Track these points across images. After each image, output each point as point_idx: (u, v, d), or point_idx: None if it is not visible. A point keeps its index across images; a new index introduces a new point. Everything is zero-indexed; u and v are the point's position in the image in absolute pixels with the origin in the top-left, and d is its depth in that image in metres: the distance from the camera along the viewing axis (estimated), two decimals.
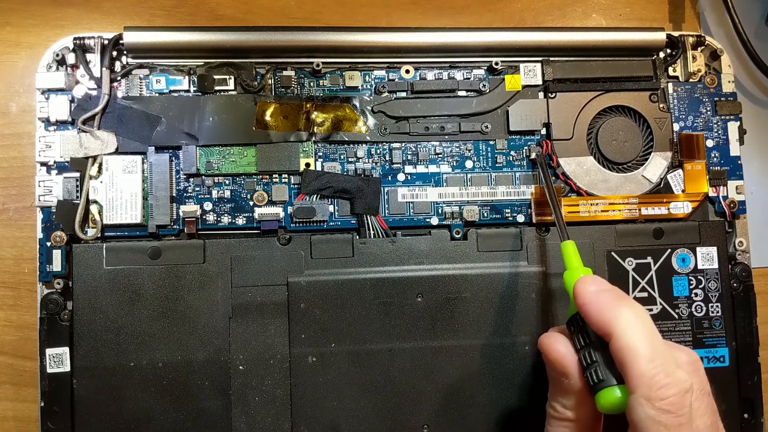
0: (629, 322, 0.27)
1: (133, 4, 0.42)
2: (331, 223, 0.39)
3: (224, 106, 0.38)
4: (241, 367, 0.36)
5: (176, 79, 0.38)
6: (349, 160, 0.39)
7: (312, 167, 0.39)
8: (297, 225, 0.38)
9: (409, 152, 0.40)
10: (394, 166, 0.40)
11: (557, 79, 0.41)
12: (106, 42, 0.37)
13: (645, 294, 0.40)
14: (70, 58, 0.38)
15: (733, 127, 0.42)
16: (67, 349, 0.35)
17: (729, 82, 0.43)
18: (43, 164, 0.37)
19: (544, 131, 0.41)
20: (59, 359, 0.35)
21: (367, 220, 0.38)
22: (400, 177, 0.40)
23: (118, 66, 0.38)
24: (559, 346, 0.30)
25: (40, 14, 0.41)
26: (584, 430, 0.30)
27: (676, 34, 0.42)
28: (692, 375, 0.27)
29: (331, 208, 0.39)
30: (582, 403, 0.29)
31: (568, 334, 0.31)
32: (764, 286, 0.45)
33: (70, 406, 0.35)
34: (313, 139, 0.39)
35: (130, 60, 0.38)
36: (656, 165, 0.41)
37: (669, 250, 0.40)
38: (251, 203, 0.38)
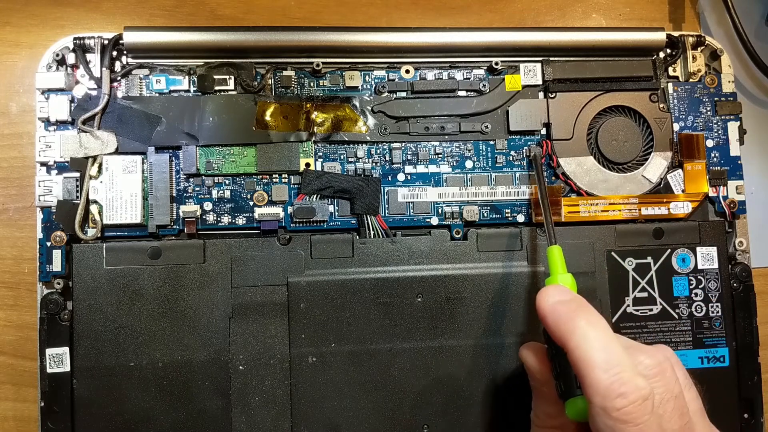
0: (584, 334, 0.27)
1: (133, 4, 0.42)
2: (331, 223, 0.39)
3: (224, 106, 0.38)
4: (241, 367, 0.36)
5: (176, 79, 0.38)
6: (349, 160, 0.39)
7: (312, 167, 0.39)
8: (297, 225, 0.38)
9: (409, 152, 0.40)
10: (394, 166, 0.40)
11: (557, 79, 0.41)
12: (106, 42, 0.37)
13: (645, 294, 0.40)
14: (70, 58, 0.38)
15: (733, 127, 0.42)
16: (67, 349, 0.35)
17: (729, 82, 0.43)
18: (43, 164, 0.37)
19: (544, 131, 0.41)
20: (59, 359, 0.35)
21: (367, 220, 0.38)
22: (400, 177, 0.40)
23: (118, 66, 0.38)
24: (534, 357, 0.31)
25: (40, 14, 0.41)
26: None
27: (676, 34, 0.42)
28: (656, 379, 0.27)
29: (331, 208, 0.39)
30: (561, 410, 0.29)
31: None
32: (764, 286, 0.45)
33: (70, 406, 0.35)
34: (313, 139, 0.39)
35: (130, 60, 0.38)
36: (656, 165, 0.41)
37: (669, 250, 0.40)
38: (251, 203, 0.38)
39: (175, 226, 0.38)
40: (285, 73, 0.39)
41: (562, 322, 0.28)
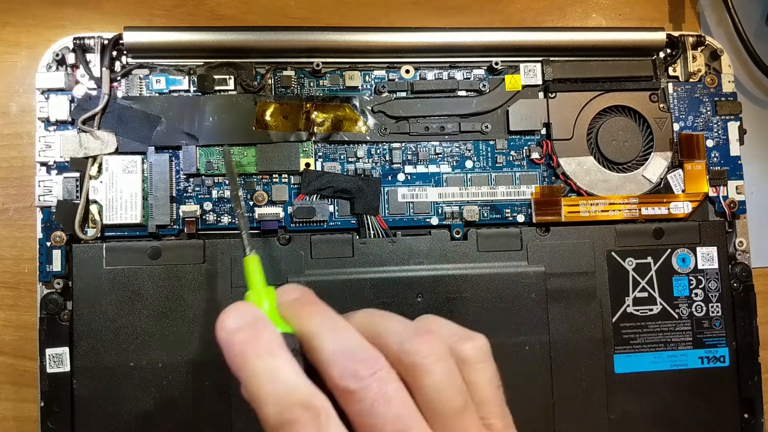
0: (249, 367, 0.24)
1: (133, 4, 0.42)
2: (331, 223, 0.39)
3: (224, 106, 0.38)
4: None
5: (176, 79, 0.38)
6: (349, 160, 0.39)
7: (312, 167, 0.39)
8: (297, 225, 0.38)
9: (409, 152, 0.40)
10: (394, 166, 0.40)
11: (557, 79, 0.41)
12: (106, 42, 0.37)
13: (645, 294, 0.40)
14: (70, 58, 0.38)
15: (733, 127, 0.42)
16: (67, 349, 0.35)
17: (729, 82, 0.43)
18: (43, 164, 0.37)
19: (544, 131, 0.41)
20: (59, 359, 0.35)
21: (367, 220, 0.38)
22: (400, 177, 0.40)
23: (118, 66, 0.38)
24: None
25: (40, 14, 0.41)
26: None
27: (676, 34, 0.42)
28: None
29: (331, 208, 0.39)
30: None
31: None
32: (764, 286, 0.45)
33: (70, 406, 0.35)
34: (313, 139, 0.39)
35: (130, 60, 0.38)
36: (656, 165, 0.41)
37: (669, 250, 0.40)
38: (251, 203, 0.38)
39: (175, 226, 0.38)
40: (285, 73, 0.39)
41: (232, 356, 0.24)
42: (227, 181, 0.38)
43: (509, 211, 0.40)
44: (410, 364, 0.22)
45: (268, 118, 0.39)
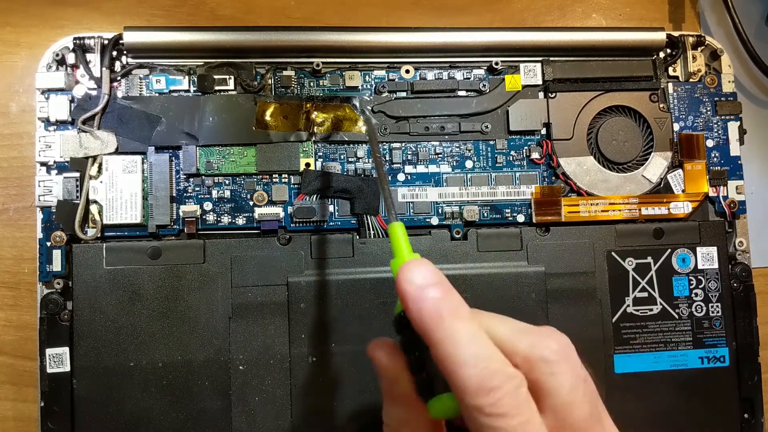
0: (450, 327, 0.23)
1: (133, 4, 0.42)
2: (331, 223, 0.39)
3: (224, 106, 0.38)
4: (241, 367, 0.36)
5: (176, 79, 0.38)
6: (349, 160, 0.39)
7: (312, 167, 0.39)
8: (297, 225, 0.38)
9: (409, 152, 0.40)
10: (394, 166, 0.40)
11: (557, 79, 0.41)
12: (106, 42, 0.37)
13: (645, 294, 0.40)
14: (70, 58, 0.38)
15: (733, 127, 0.42)
16: (67, 349, 0.35)
17: (729, 82, 0.43)
18: (43, 164, 0.37)
19: (544, 131, 0.41)
20: (59, 359, 0.35)
21: (367, 220, 0.38)
22: (400, 177, 0.40)
23: (118, 66, 0.38)
24: (386, 353, 0.26)
25: (40, 14, 0.41)
26: None
27: (676, 34, 0.42)
28: (562, 364, 0.24)
29: (331, 208, 0.39)
30: (418, 411, 0.25)
31: (397, 338, 0.27)
32: (764, 286, 0.45)
33: (70, 406, 0.35)
34: (313, 139, 0.39)
35: (130, 60, 0.38)
36: (656, 165, 0.41)
37: (669, 250, 0.40)
38: (251, 203, 0.38)
39: (175, 226, 0.38)
40: (285, 73, 0.39)
41: (426, 312, 0.24)
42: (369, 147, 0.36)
43: (509, 211, 0.40)
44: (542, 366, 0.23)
45: (268, 118, 0.39)
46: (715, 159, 0.42)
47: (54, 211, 0.37)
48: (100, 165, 0.37)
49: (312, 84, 0.40)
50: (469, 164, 0.40)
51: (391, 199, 0.29)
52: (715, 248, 0.41)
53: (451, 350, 0.23)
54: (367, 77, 0.40)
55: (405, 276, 0.25)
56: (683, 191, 0.41)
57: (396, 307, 0.27)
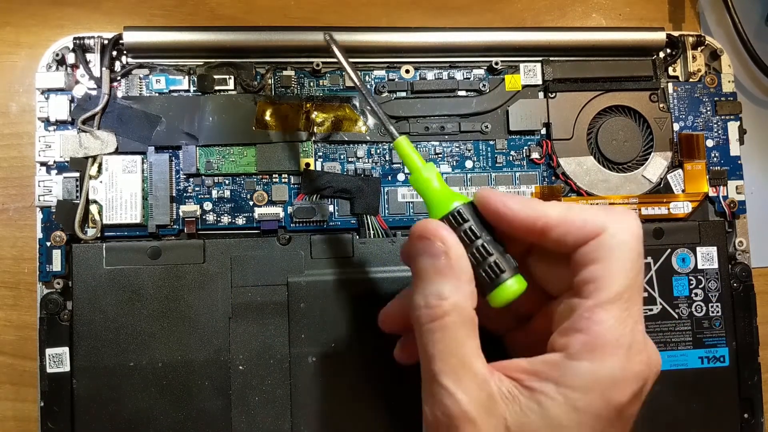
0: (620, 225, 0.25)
1: (133, 4, 0.42)
2: (331, 223, 0.39)
3: (224, 106, 0.38)
4: (241, 367, 0.36)
5: (176, 79, 0.38)
6: (349, 160, 0.39)
7: (312, 167, 0.39)
8: (297, 225, 0.38)
9: None
10: (394, 166, 0.40)
11: (557, 79, 0.41)
12: (106, 42, 0.37)
13: (645, 294, 0.40)
14: (70, 58, 0.38)
15: (733, 127, 0.42)
16: (67, 349, 0.35)
17: (729, 82, 0.43)
18: (43, 164, 0.37)
19: (544, 131, 0.41)
20: (59, 359, 0.35)
21: (367, 220, 0.38)
22: (400, 177, 0.40)
23: (118, 66, 0.38)
24: (441, 227, 0.26)
25: (40, 14, 0.41)
26: (465, 324, 0.24)
27: (676, 34, 0.42)
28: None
29: (331, 208, 0.39)
30: (462, 288, 0.25)
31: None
32: (764, 286, 0.45)
33: (70, 406, 0.35)
34: (313, 139, 0.39)
35: (130, 60, 0.38)
36: (656, 165, 0.41)
37: (669, 250, 0.40)
38: (251, 203, 0.38)
39: (175, 226, 0.38)
40: (285, 73, 0.39)
41: (589, 211, 0.25)
42: (347, 72, 0.32)
43: None
44: None
45: (268, 118, 0.39)
46: (715, 159, 0.42)
47: (54, 211, 0.37)
48: (100, 165, 0.37)
49: (312, 84, 0.40)
50: (469, 164, 0.40)
51: (384, 113, 0.30)
52: (715, 248, 0.41)
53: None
54: (367, 77, 0.40)
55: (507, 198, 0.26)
56: (683, 191, 0.41)
57: (434, 213, 0.27)
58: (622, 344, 0.23)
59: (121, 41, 0.37)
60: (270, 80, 0.39)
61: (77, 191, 0.37)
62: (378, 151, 0.40)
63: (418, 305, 0.25)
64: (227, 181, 0.38)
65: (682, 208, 0.41)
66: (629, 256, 0.24)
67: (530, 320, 0.29)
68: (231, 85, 0.39)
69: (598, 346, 0.23)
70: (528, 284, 0.26)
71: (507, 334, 0.31)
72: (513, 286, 0.26)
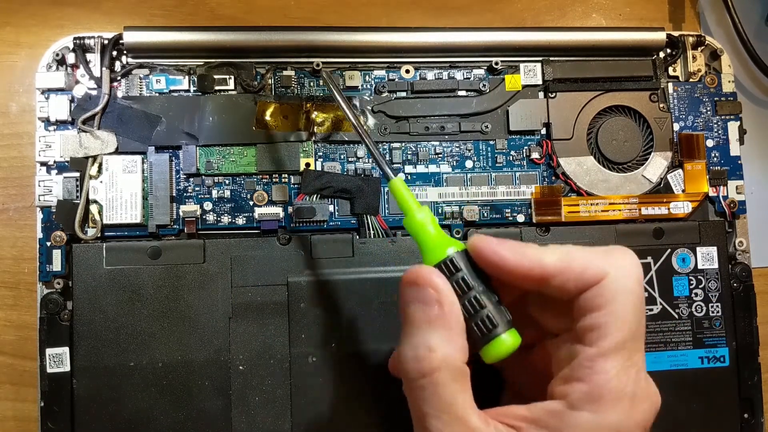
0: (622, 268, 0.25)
1: (133, 4, 0.42)
2: (331, 223, 0.39)
3: (224, 106, 0.38)
4: (241, 367, 0.36)
5: (176, 79, 0.38)
6: (349, 160, 0.39)
7: (312, 167, 0.39)
8: (297, 225, 0.38)
9: (409, 152, 0.40)
10: (394, 166, 0.40)
11: (557, 79, 0.41)
12: (106, 42, 0.37)
13: (645, 294, 0.40)
14: (70, 58, 0.38)
15: (733, 127, 0.42)
16: (67, 349, 0.35)
17: (729, 82, 0.43)
18: (43, 164, 0.37)
19: (544, 131, 0.41)
20: (59, 359, 0.35)
21: (367, 220, 0.38)
22: (400, 177, 0.40)
23: (118, 66, 0.38)
24: (436, 275, 0.26)
25: (40, 14, 0.41)
26: (456, 380, 0.24)
27: (676, 34, 0.42)
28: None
29: (331, 208, 0.39)
30: (454, 340, 0.24)
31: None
32: (764, 286, 0.45)
33: (70, 406, 0.35)
34: (313, 139, 0.39)
35: (130, 60, 0.38)
36: (656, 165, 0.41)
37: (669, 250, 0.40)
38: (251, 203, 0.38)
39: (175, 226, 0.38)
40: (285, 73, 0.39)
41: (593, 256, 0.25)
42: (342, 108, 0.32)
43: (509, 211, 0.40)
44: None
45: (268, 118, 0.39)
46: (715, 159, 0.42)
47: (54, 211, 0.37)
48: (100, 165, 0.37)
49: (312, 84, 0.40)
50: (469, 164, 0.40)
51: (379, 153, 0.29)
52: (715, 248, 0.41)
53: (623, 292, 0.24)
54: (367, 77, 0.40)
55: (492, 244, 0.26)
56: (683, 191, 0.41)
57: (427, 259, 0.27)
58: (626, 394, 0.23)
59: (121, 41, 0.37)
60: (270, 80, 0.39)
61: (77, 191, 0.37)
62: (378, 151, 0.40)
63: (406, 357, 0.24)
64: (227, 181, 0.38)
65: (682, 208, 0.41)
66: (632, 301, 0.24)
67: (529, 352, 0.28)
68: (231, 85, 0.39)
69: (601, 397, 0.23)
70: (527, 322, 0.26)
71: (505, 366, 0.30)
72: (507, 341, 0.25)
